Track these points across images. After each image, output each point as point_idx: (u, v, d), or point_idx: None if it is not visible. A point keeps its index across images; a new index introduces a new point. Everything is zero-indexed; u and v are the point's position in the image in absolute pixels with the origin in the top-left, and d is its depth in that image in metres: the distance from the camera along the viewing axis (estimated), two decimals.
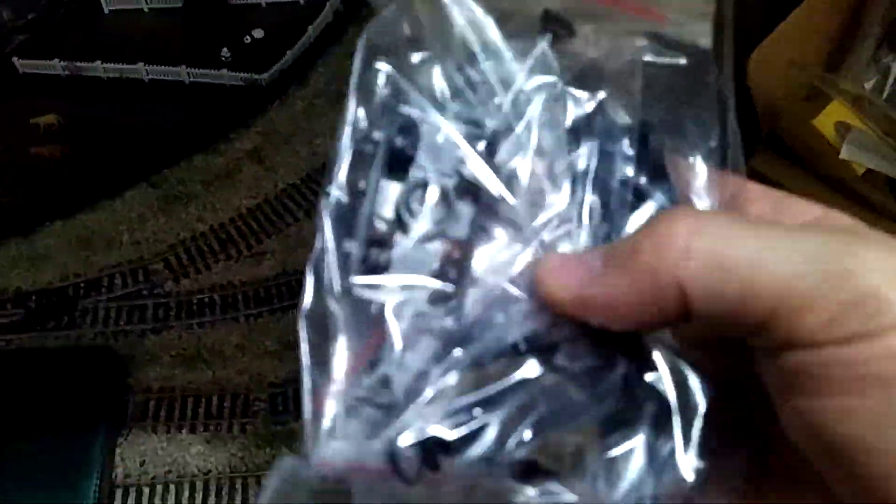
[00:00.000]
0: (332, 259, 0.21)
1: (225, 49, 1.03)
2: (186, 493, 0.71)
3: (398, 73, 0.23)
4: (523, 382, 0.21)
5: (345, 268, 0.21)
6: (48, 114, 0.98)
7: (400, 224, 0.22)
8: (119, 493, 0.71)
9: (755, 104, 0.71)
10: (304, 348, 0.21)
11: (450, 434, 0.21)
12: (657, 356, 0.22)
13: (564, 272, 0.21)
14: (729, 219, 0.21)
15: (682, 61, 0.25)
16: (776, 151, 0.73)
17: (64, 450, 0.70)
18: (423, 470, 0.21)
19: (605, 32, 0.27)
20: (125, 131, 0.97)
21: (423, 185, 0.22)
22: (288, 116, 0.99)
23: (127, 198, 0.93)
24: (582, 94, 0.24)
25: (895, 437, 0.19)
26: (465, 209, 0.22)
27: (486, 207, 0.22)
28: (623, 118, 0.25)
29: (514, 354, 0.21)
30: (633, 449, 0.22)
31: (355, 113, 0.23)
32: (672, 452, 0.22)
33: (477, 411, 0.21)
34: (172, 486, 0.72)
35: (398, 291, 0.21)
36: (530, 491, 0.21)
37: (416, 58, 0.24)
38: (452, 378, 0.21)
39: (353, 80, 0.23)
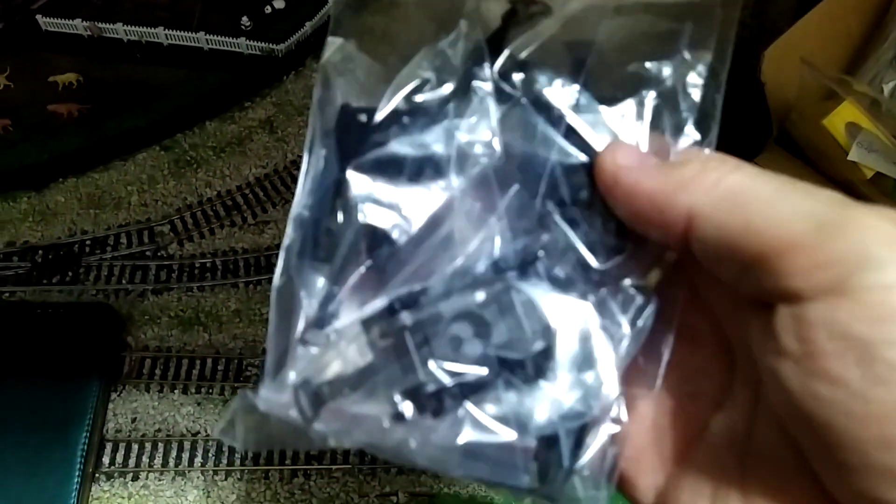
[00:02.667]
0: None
1: (245, 18, 1.03)
2: (174, 453, 0.72)
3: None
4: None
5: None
6: (68, 72, 0.99)
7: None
8: (109, 446, 0.72)
9: (767, 100, 0.69)
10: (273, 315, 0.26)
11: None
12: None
13: (625, 152, 0.24)
14: (759, 170, 0.22)
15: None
16: (787, 149, 0.71)
17: (58, 401, 0.72)
18: (318, 408, 0.24)
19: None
20: (142, 94, 0.97)
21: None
22: (303, 88, 0.99)
23: (139, 159, 0.93)
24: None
25: (874, 412, 0.18)
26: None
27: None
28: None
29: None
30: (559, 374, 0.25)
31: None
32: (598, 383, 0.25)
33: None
34: (161, 445, 0.73)
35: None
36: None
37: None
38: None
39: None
